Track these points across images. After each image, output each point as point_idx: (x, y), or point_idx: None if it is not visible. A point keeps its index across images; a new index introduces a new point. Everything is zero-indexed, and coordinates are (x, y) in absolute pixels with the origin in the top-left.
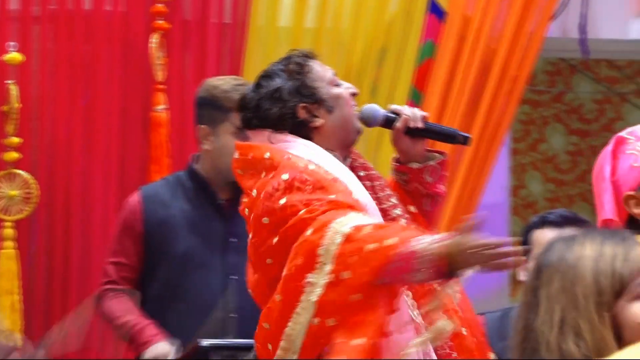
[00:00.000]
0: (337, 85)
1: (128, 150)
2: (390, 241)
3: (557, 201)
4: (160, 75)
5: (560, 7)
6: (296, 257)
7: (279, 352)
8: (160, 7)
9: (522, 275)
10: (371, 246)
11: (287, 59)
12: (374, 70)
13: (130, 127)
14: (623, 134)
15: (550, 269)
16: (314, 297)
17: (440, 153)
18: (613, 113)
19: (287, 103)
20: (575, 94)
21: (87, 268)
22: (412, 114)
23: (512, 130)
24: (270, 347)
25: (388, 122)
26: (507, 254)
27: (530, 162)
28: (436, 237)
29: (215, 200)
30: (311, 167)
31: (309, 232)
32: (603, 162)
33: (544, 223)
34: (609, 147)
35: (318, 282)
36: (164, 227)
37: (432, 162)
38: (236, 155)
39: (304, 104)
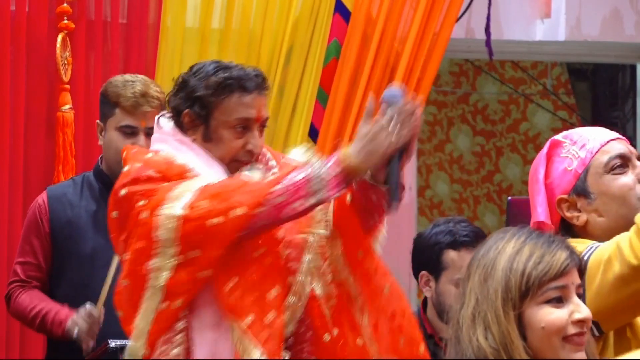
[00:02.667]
0: (240, 136)
1: (33, 150)
2: (238, 211)
3: (463, 202)
4: (65, 75)
5: (464, 8)
6: (137, 240)
7: (131, 339)
8: (65, 7)
9: (427, 291)
10: (214, 221)
11: (223, 78)
12: (281, 70)
13: (34, 127)
14: (559, 137)
15: (475, 263)
16: (161, 282)
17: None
18: (518, 114)
19: (181, 103)
20: (481, 95)
21: None
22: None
23: None
24: None
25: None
26: (409, 113)
27: (436, 163)
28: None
29: None
30: (158, 158)
31: (144, 214)
32: (538, 164)
33: (460, 244)
34: (544, 150)
35: (163, 266)
36: (70, 227)
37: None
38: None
39: (192, 112)
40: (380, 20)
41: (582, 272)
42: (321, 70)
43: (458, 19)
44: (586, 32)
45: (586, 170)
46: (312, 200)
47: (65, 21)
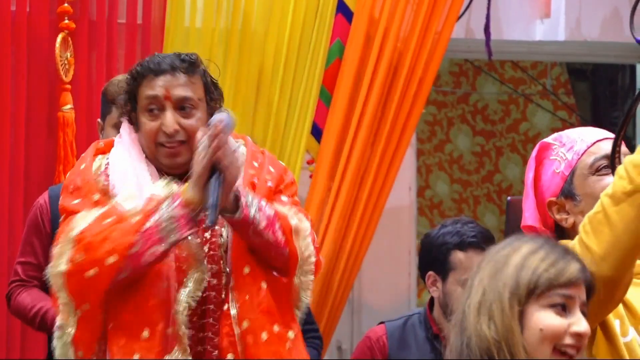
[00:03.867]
0: (154, 119)
1: (33, 150)
2: (111, 259)
3: (463, 202)
4: (66, 75)
5: (464, 8)
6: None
7: None
8: (66, 7)
9: (434, 292)
10: (91, 272)
11: (138, 66)
12: (284, 70)
13: (35, 127)
14: (549, 139)
15: (487, 258)
16: (67, 339)
17: None
18: (518, 114)
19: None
20: (481, 95)
21: None
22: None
23: (417, 131)
24: None
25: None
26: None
27: (435, 163)
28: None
29: None
30: (89, 169)
31: None
32: (527, 167)
33: (467, 245)
34: (533, 153)
35: (67, 323)
36: None
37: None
38: None
39: (126, 108)
40: (383, 20)
41: (591, 290)
42: (324, 71)
43: (458, 19)
44: (586, 32)
45: (572, 172)
46: (165, 245)
47: (66, 21)
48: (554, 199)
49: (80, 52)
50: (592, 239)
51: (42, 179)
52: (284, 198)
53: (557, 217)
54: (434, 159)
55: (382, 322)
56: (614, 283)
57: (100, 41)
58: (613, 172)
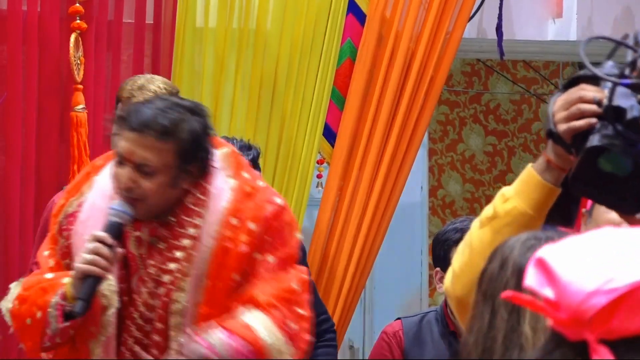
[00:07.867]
0: (118, 164)
1: (46, 150)
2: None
3: (475, 201)
4: (78, 75)
5: (476, 7)
6: None
7: None
8: (77, 7)
9: (439, 287)
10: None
11: (119, 112)
12: (300, 72)
13: (48, 128)
14: None
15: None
16: None
17: None
18: (530, 114)
19: None
20: (493, 95)
21: (5, 269)
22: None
23: (429, 131)
24: None
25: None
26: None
27: (448, 163)
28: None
29: None
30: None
31: None
32: None
33: None
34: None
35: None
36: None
37: None
38: None
39: None
40: (395, 20)
41: None
42: (335, 71)
43: (470, 19)
44: (598, 32)
45: None
46: (50, 332)
47: (78, 21)
48: None
49: (90, 52)
50: (456, 259)
51: (53, 179)
52: (270, 259)
53: None
54: (446, 159)
55: (398, 318)
56: (462, 305)
57: (109, 41)
58: None
